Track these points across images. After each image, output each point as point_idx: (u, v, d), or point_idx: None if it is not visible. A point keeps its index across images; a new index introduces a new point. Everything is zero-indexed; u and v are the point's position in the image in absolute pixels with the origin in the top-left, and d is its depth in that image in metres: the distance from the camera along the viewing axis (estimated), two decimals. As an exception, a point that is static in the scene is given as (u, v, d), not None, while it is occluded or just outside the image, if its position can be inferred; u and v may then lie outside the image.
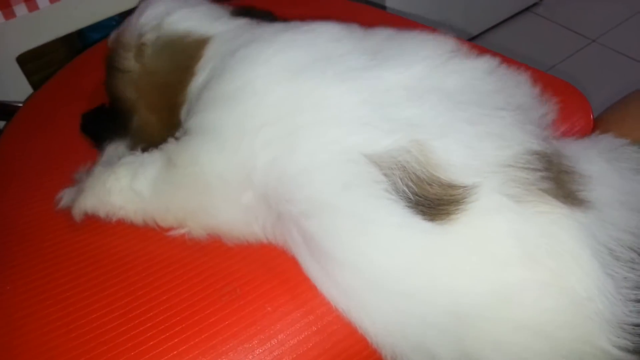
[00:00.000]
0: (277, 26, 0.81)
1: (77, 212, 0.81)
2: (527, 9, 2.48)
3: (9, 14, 1.05)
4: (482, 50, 0.80)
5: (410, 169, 0.63)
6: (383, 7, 1.82)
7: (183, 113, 0.80)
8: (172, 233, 0.79)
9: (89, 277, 0.77)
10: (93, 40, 1.57)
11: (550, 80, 0.82)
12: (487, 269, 0.60)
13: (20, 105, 1.16)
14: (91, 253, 0.80)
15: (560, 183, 0.63)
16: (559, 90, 0.83)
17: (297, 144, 0.68)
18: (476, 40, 2.29)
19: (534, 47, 2.31)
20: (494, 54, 1.05)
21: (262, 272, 0.75)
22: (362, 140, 0.65)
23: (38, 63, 1.41)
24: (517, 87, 0.74)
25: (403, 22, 1.20)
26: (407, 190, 0.62)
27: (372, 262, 0.64)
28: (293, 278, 0.74)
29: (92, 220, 0.83)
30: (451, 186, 0.62)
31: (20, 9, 1.06)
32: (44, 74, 1.49)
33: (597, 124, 0.98)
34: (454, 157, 0.64)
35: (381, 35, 0.77)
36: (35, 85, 1.35)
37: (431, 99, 0.67)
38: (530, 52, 2.25)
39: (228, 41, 0.80)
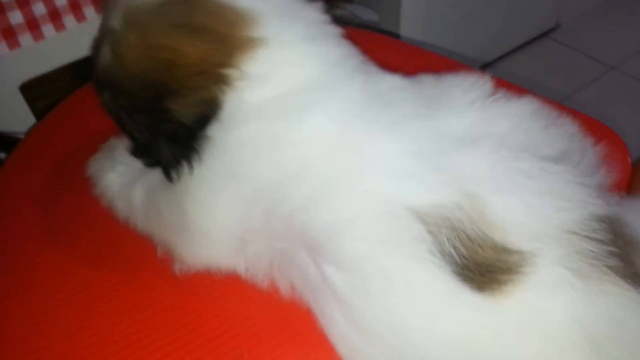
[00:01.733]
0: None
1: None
2: (544, 34, 2.44)
3: (14, 44, 1.00)
4: (508, 86, 0.75)
5: (461, 228, 0.55)
6: (397, 36, 1.79)
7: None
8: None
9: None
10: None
11: (585, 120, 0.77)
12: (542, 355, 0.54)
13: (22, 137, 1.11)
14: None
15: (627, 259, 0.57)
16: (593, 131, 0.77)
17: (332, 192, 0.61)
18: (492, 67, 2.26)
19: (551, 73, 2.28)
20: (515, 86, 1.02)
21: (268, 325, 0.72)
22: (407, 192, 0.59)
23: (42, 90, 1.36)
24: (564, 131, 0.69)
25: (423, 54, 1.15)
26: (454, 253, 0.55)
27: (405, 333, 0.58)
28: (304, 333, 0.69)
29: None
30: (506, 250, 0.55)
31: (26, 39, 1.01)
32: (48, 101, 1.45)
33: (635, 168, 0.92)
34: (512, 215, 0.57)
35: (428, 81, 0.72)
36: (39, 112, 1.30)
37: (485, 147, 0.61)
38: (547, 79, 2.22)
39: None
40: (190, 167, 0.66)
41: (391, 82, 0.70)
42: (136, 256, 0.82)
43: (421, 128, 0.64)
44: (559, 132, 0.69)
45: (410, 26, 1.82)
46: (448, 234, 0.56)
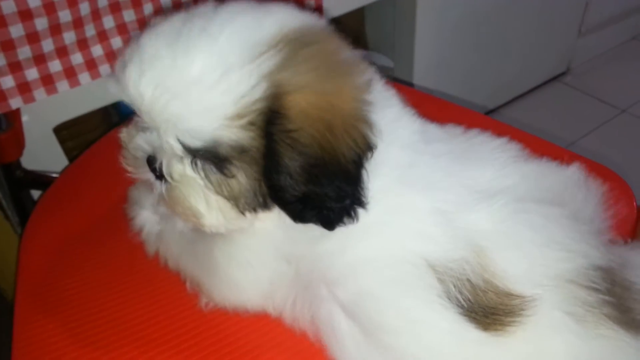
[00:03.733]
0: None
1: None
2: (555, 78, 2.48)
3: (51, 90, 1.07)
4: (516, 133, 0.79)
5: (466, 277, 0.62)
6: (411, 84, 1.84)
7: None
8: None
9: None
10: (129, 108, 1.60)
11: (592, 166, 0.82)
12: None
13: (55, 175, 1.17)
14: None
15: (623, 308, 0.62)
16: (600, 176, 0.82)
17: (357, 240, 0.67)
18: (503, 110, 2.31)
19: (561, 116, 2.32)
20: (521, 132, 1.08)
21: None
22: (423, 246, 0.65)
23: (71, 131, 1.43)
24: (574, 183, 0.75)
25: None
26: (460, 297, 0.61)
27: None
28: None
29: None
30: (508, 295, 0.61)
31: (63, 85, 1.07)
32: (76, 142, 1.52)
33: (640, 212, 0.95)
34: (514, 266, 0.63)
35: (459, 132, 0.79)
36: (68, 151, 1.36)
37: (498, 202, 0.67)
38: (558, 122, 2.26)
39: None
40: (356, 219, 0.67)
41: (434, 134, 0.76)
42: (167, 291, 0.87)
43: (450, 184, 0.69)
44: (567, 180, 0.74)
45: (424, 73, 1.88)
46: (455, 282, 0.62)
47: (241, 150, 0.62)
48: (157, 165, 0.68)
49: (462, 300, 0.62)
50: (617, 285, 0.64)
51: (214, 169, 0.65)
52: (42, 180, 1.21)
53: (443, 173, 0.70)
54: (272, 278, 0.74)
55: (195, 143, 0.63)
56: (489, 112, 2.27)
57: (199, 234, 0.78)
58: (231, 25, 0.63)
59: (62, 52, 1.06)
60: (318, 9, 1.36)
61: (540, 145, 1.05)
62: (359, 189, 0.65)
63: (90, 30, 1.08)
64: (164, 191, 0.70)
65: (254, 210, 0.69)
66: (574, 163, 0.80)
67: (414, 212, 0.67)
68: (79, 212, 1.03)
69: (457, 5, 1.83)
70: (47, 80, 1.06)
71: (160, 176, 0.69)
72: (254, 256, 0.74)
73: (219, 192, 0.67)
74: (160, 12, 1.17)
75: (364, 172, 0.66)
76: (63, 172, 1.14)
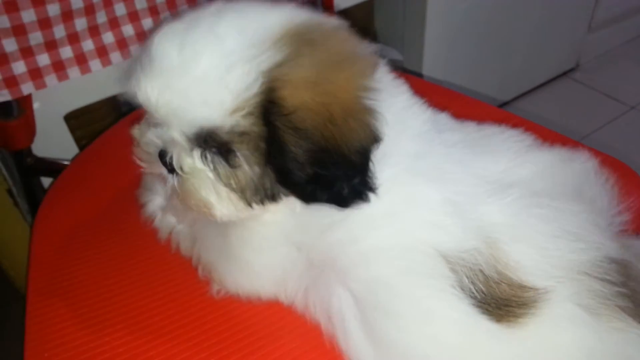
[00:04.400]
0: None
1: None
2: (564, 73, 2.47)
3: (63, 76, 1.07)
4: (527, 124, 0.80)
5: (479, 268, 0.62)
6: (420, 76, 1.84)
7: None
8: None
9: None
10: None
11: (603, 158, 0.82)
12: None
13: (67, 163, 1.17)
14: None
15: (638, 301, 0.61)
16: (612, 168, 0.82)
17: (369, 229, 0.67)
18: (511, 105, 2.30)
19: (570, 112, 2.31)
20: (532, 124, 1.08)
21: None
22: (435, 236, 0.65)
23: (81, 120, 1.43)
24: (588, 176, 0.75)
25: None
26: (473, 288, 0.61)
27: (426, 352, 0.63)
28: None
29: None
30: (521, 287, 0.61)
31: (74, 72, 1.07)
32: (86, 130, 1.52)
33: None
34: (527, 257, 0.62)
35: (473, 127, 0.79)
36: (77, 140, 1.36)
37: (511, 195, 0.66)
38: (566, 118, 2.25)
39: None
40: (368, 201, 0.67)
41: (445, 123, 0.76)
42: (177, 278, 0.87)
43: (462, 175, 0.69)
44: (580, 172, 0.74)
45: (433, 66, 1.87)
46: (467, 273, 0.62)
47: (242, 135, 0.64)
48: (167, 159, 0.70)
49: (475, 291, 0.61)
50: (631, 278, 0.63)
51: (222, 161, 0.67)
52: (52, 167, 1.21)
53: (455, 163, 0.70)
54: (283, 264, 0.74)
55: (197, 133, 0.65)
56: (500, 106, 2.26)
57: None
58: (237, 26, 0.65)
59: (73, 38, 1.06)
60: (329, 3, 1.36)
61: (553, 138, 1.05)
62: (366, 176, 0.66)
63: (101, 17, 1.08)
64: (175, 184, 0.71)
65: (261, 202, 0.69)
66: (587, 153, 0.79)
67: (425, 202, 0.67)
68: (89, 199, 1.03)
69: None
70: (59, 67, 1.06)
71: (171, 170, 0.71)
72: (265, 242, 0.74)
73: (227, 184, 0.68)
74: (172, 0, 1.17)
75: (369, 162, 0.66)
76: (74, 160, 1.14)
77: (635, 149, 2.06)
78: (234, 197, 0.69)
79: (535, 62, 2.29)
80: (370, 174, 0.66)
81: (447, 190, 0.67)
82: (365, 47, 0.71)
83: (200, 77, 0.62)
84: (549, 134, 1.06)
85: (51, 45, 1.04)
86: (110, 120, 1.58)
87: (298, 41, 0.65)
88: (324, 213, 0.68)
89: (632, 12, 2.52)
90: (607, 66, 2.51)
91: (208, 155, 0.67)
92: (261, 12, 0.68)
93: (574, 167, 0.75)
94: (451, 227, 0.65)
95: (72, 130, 1.35)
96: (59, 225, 0.98)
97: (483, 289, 0.61)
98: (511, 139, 0.76)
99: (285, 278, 0.75)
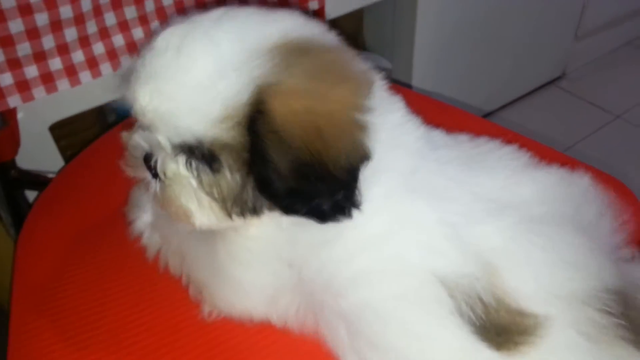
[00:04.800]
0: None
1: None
2: (551, 82, 2.48)
3: (51, 88, 1.04)
4: (514, 136, 0.80)
5: (478, 295, 0.61)
6: (409, 86, 1.83)
7: None
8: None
9: None
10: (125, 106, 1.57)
11: (596, 173, 0.81)
12: None
13: (51, 175, 1.14)
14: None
15: (638, 330, 0.60)
16: (605, 184, 0.80)
17: (363, 251, 0.66)
18: (498, 114, 2.30)
19: (557, 121, 2.31)
20: (520, 136, 1.07)
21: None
22: (432, 260, 0.63)
23: (65, 129, 1.40)
24: (585, 197, 0.73)
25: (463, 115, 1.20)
26: (472, 315, 0.60)
27: None
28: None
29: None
30: (520, 314, 0.60)
31: (63, 84, 1.05)
32: (71, 140, 1.49)
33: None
34: (525, 284, 0.61)
35: (469, 144, 0.77)
36: (62, 150, 1.33)
37: (509, 218, 0.65)
38: (553, 127, 2.25)
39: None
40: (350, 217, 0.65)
41: (440, 140, 0.75)
42: (166, 298, 0.84)
43: (457, 193, 0.68)
44: (578, 193, 0.73)
45: (422, 76, 1.87)
46: (466, 299, 0.61)
47: (225, 147, 0.63)
48: (152, 163, 0.69)
49: (474, 318, 0.60)
50: (630, 307, 0.62)
51: (207, 169, 0.66)
52: (37, 180, 1.18)
53: (450, 181, 0.69)
54: (274, 282, 0.72)
55: (182, 140, 0.65)
56: (486, 115, 2.27)
57: (203, 235, 0.77)
58: (235, 33, 0.64)
59: (62, 49, 1.03)
60: (320, 11, 1.35)
61: (539, 150, 1.05)
62: (350, 192, 0.64)
63: (91, 27, 1.06)
64: (157, 190, 0.71)
65: (242, 214, 0.68)
66: (584, 172, 0.78)
67: (420, 223, 0.66)
68: (76, 214, 1.00)
69: (456, 7, 1.82)
70: (47, 79, 1.04)
71: (155, 174, 0.70)
72: (255, 257, 0.73)
73: (209, 193, 0.67)
74: (162, 9, 1.15)
75: (356, 179, 0.64)
76: (60, 173, 1.11)
77: (621, 158, 2.07)
78: (215, 206, 0.68)
79: (522, 71, 2.29)
80: (355, 191, 0.64)
81: (443, 210, 0.66)
82: (362, 63, 0.70)
83: (191, 83, 0.61)
84: (538, 147, 1.06)
85: (40, 56, 1.02)
86: (96, 130, 1.56)
87: (293, 52, 0.64)
88: (316, 230, 0.66)
89: (617, 21, 2.53)
90: (594, 75, 2.52)
91: (193, 163, 0.66)
92: (260, 22, 0.67)
93: (572, 189, 0.74)
94: (448, 250, 0.63)
95: (57, 139, 1.32)
96: (44, 241, 0.96)
97: (482, 315, 0.60)
98: (507, 156, 0.75)
99: (277, 297, 0.73)
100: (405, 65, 1.84)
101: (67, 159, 1.32)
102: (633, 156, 2.12)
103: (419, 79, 1.86)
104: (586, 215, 0.71)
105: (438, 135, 0.76)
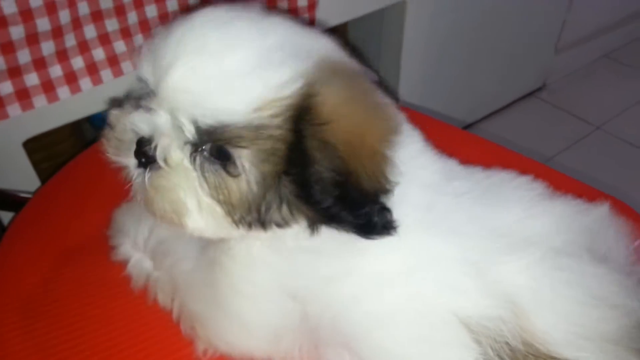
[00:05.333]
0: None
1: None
2: (531, 93, 2.49)
3: (27, 105, 0.98)
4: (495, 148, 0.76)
5: (505, 339, 0.57)
6: (397, 100, 1.81)
7: None
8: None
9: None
10: (103, 118, 1.51)
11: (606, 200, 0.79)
12: None
13: (26, 195, 1.08)
14: None
15: None
16: (617, 211, 0.77)
17: (378, 289, 0.62)
18: (480, 125, 2.30)
19: (537, 132, 2.32)
20: (502, 148, 1.07)
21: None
22: (455, 301, 0.60)
23: (39, 143, 1.33)
24: (601, 226, 0.71)
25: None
26: None
27: None
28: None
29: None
30: (550, 358, 0.57)
31: (39, 100, 0.98)
32: (46, 153, 1.42)
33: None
34: (553, 327, 0.58)
35: (481, 174, 0.74)
36: (35, 164, 1.27)
37: (531, 255, 0.62)
38: (534, 138, 2.26)
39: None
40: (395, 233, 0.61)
41: (454, 172, 0.72)
42: (156, 334, 0.79)
43: (475, 228, 0.65)
44: (595, 224, 0.70)
45: (408, 89, 1.86)
46: (492, 344, 0.57)
47: (261, 137, 0.58)
48: (150, 148, 0.62)
49: None
50: None
51: (217, 168, 0.60)
52: (10, 199, 1.11)
53: (467, 215, 0.66)
54: (276, 316, 0.68)
55: (213, 124, 0.58)
56: (467, 127, 2.26)
57: (199, 264, 0.73)
58: (283, 29, 0.63)
59: (39, 63, 0.97)
60: (311, 23, 1.31)
61: (521, 162, 1.03)
62: (388, 212, 0.61)
63: (70, 40, 1.00)
64: (146, 180, 0.64)
65: (249, 224, 0.63)
66: (602, 202, 0.75)
67: (440, 260, 0.63)
68: (54, 238, 0.94)
69: (441, 22, 1.82)
70: (23, 95, 0.97)
71: (146, 162, 0.63)
72: (259, 290, 0.68)
73: (213, 196, 0.62)
74: (145, 22, 1.09)
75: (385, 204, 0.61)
76: (36, 193, 1.05)
77: (602, 170, 2.07)
78: (218, 211, 0.62)
79: (502, 83, 2.30)
80: (388, 209, 0.61)
81: (463, 246, 0.63)
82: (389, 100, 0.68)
83: (234, 66, 0.57)
84: (516, 158, 1.06)
85: (15, 71, 0.95)
86: (72, 142, 1.49)
87: (337, 70, 0.62)
88: (324, 261, 0.63)
89: (597, 33, 2.55)
90: (572, 86, 2.54)
91: (198, 158, 0.61)
92: (304, 32, 0.65)
93: (589, 219, 0.71)
94: (471, 290, 0.60)
95: (30, 153, 1.25)
96: (20, 266, 0.89)
97: None
98: (522, 188, 0.72)
99: (279, 334, 0.69)
100: (392, 79, 1.82)
101: (41, 173, 1.25)
102: (612, 166, 2.13)
103: (405, 93, 1.84)
104: (603, 245, 0.69)
105: (452, 166, 0.73)
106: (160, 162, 0.62)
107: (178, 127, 0.60)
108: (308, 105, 0.58)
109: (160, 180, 0.63)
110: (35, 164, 1.24)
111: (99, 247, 0.88)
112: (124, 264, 0.84)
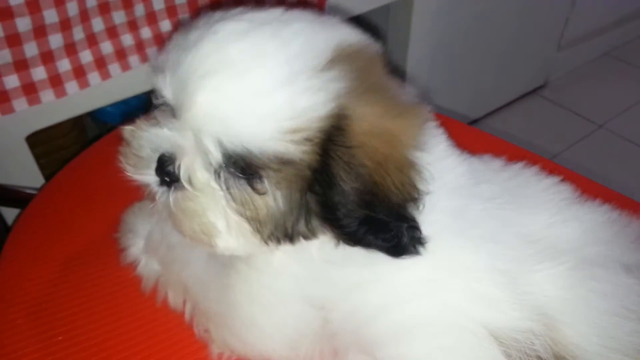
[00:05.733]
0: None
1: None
2: (533, 91, 2.47)
3: (34, 100, 0.95)
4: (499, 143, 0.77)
5: (536, 353, 0.56)
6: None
7: None
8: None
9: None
10: (105, 112, 1.49)
11: (622, 200, 0.78)
12: None
13: (31, 192, 1.05)
14: None
15: None
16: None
17: (405, 298, 0.61)
18: (481, 123, 2.29)
19: (539, 130, 2.31)
20: (506, 143, 1.06)
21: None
22: (484, 311, 0.58)
23: (41, 136, 1.29)
24: (632, 237, 0.68)
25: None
26: None
27: None
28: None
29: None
30: None
31: (47, 95, 0.95)
32: (47, 147, 1.39)
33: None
34: (586, 339, 0.57)
35: (506, 174, 0.72)
36: (36, 157, 1.24)
37: (563, 265, 0.60)
38: (535, 135, 2.25)
39: None
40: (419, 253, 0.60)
41: (480, 174, 0.69)
42: (168, 338, 0.77)
43: (504, 236, 0.63)
44: (622, 231, 0.69)
45: (414, 86, 1.83)
46: (523, 357, 0.56)
47: (287, 163, 0.56)
48: (174, 167, 0.60)
49: None
50: None
51: (243, 184, 0.58)
52: (14, 196, 1.09)
53: (496, 221, 0.64)
54: (297, 325, 0.66)
55: (238, 149, 0.55)
56: (471, 123, 2.24)
57: (212, 267, 0.70)
58: (305, 34, 0.58)
59: (47, 57, 0.94)
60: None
61: (529, 158, 1.02)
62: (415, 228, 0.59)
63: (78, 34, 0.97)
64: (171, 200, 0.61)
65: (278, 240, 0.61)
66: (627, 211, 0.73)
67: (470, 270, 0.61)
68: (62, 236, 0.92)
69: (446, 19, 1.81)
70: (30, 89, 0.95)
71: (170, 181, 0.61)
72: (275, 297, 0.66)
73: (241, 213, 0.59)
74: (152, 14, 1.07)
75: (414, 217, 0.59)
76: (41, 190, 1.02)
77: (604, 167, 2.06)
78: (246, 228, 0.60)
79: (505, 80, 2.29)
80: (417, 226, 0.59)
81: (494, 256, 0.61)
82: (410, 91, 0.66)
83: (259, 84, 0.54)
84: (521, 153, 1.04)
85: (21, 65, 0.93)
86: (73, 136, 1.46)
87: (361, 69, 0.59)
88: (352, 269, 0.61)
89: (600, 31, 2.54)
90: (574, 84, 2.53)
91: (222, 174, 0.58)
92: (323, 25, 0.61)
93: (618, 228, 0.69)
94: (502, 301, 0.58)
95: (30, 147, 1.22)
96: (27, 265, 0.87)
97: None
98: (549, 190, 0.70)
99: (299, 340, 0.67)
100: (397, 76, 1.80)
101: (43, 167, 1.23)
102: (614, 164, 2.12)
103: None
104: (634, 255, 0.67)
105: (478, 168, 0.71)
106: (185, 184, 0.60)
107: (202, 148, 0.58)
108: (339, 127, 0.56)
109: (187, 203, 0.60)
110: (37, 158, 1.21)
111: (107, 247, 0.87)
112: (134, 265, 0.82)
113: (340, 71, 0.57)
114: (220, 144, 0.56)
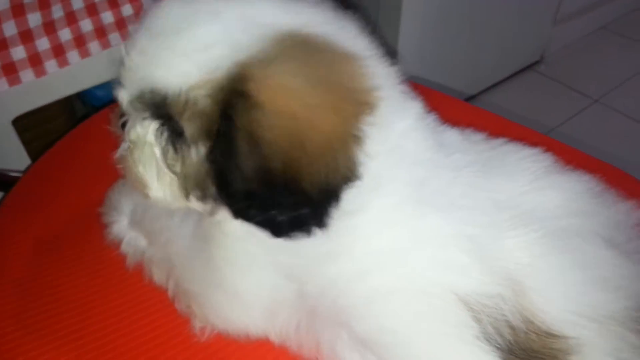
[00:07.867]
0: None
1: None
2: (529, 66, 2.46)
3: (14, 80, 0.95)
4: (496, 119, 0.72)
5: (505, 317, 0.55)
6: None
7: None
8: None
9: None
10: (95, 97, 1.48)
11: (615, 174, 0.76)
12: None
13: (17, 175, 1.05)
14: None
15: None
16: (621, 184, 0.74)
17: (374, 267, 0.60)
18: (477, 99, 2.28)
19: (535, 105, 2.30)
20: (504, 120, 1.05)
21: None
22: (452, 278, 0.58)
23: (30, 120, 1.29)
24: (612, 206, 0.67)
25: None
26: (499, 339, 0.55)
27: None
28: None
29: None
30: (552, 337, 0.55)
31: (27, 75, 0.95)
32: (36, 132, 1.39)
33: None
34: (557, 306, 0.56)
35: (485, 145, 0.70)
36: (26, 143, 1.24)
37: (537, 230, 0.59)
38: (532, 111, 2.24)
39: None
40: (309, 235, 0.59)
41: (454, 144, 0.68)
42: (151, 313, 0.77)
43: (475, 201, 0.61)
44: (605, 203, 0.67)
45: (408, 61, 1.83)
46: (493, 322, 0.55)
47: (197, 116, 0.58)
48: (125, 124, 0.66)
49: (501, 343, 0.55)
50: None
51: (173, 138, 0.62)
52: (2, 180, 1.08)
53: (466, 187, 0.62)
54: (273, 292, 0.66)
55: (145, 94, 0.60)
56: (468, 99, 2.24)
57: (195, 240, 0.71)
58: (242, 10, 0.60)
59: (26, 36, 0.94)
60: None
61: (523, 133, 1.01)
62: (320, 211, 0.58)
63: (57, 12, 0.96)
64: (123, 154, 0.68)
65: (202, 198, 0.63)
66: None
67: (435, 237, 0.60)
68: (47, 217, 0.92)
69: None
70: (9, 69, 0.94)
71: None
72: (251, 260, 0.66)
73: (172, 167, 0.63)
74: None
75: (331, 200, 0.58)
76: (27, 172, 1.02)
77: (600, 142, 2.05)
78: (175, 183, 0.64)
79: (501, 56, 2.28)
80: (325, 210, 0.58)
81: (460, 221, 0.60)
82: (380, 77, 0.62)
83: (173, 44, 0.58)
84: (518, 129, 1.04)
85: (0, 45, 0.92)
86: (63, 120, 1.46)
87: (301, 49, 0.58)
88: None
89: (596, 5, 2.53)
90: (569, 59, 2.51)
91: (164, 132, 0.62)
92: (279, 8, 0.61)
93: (601, 199, 0.67)
94: (470, 267, 0.57)
95: (20, 132, 1.22)
96: (12, 246, 0.87)
97: (510, 340, 0.55)
98: (528, 159, 0.68)
99: (275, 311, 0.67)
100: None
101: (32, 152, 1.23)
102: (610, 139, 2.10)
103: (405, 64, 1.82)
104: (616, 229, 0.65)
105: (452, 137, 0.69)
106: (125, 137, 0.66)
107: (136, 104, 0.63)
108: (239, 90, 0.55)
109: (126, 154, 0.66)
110: (26, 143, 1.21)
111: (94, 225, 0.86)
112: (117, 242, 0.82)
113: (266, 45, 0.57)
114: (140, 94, 0.61)
